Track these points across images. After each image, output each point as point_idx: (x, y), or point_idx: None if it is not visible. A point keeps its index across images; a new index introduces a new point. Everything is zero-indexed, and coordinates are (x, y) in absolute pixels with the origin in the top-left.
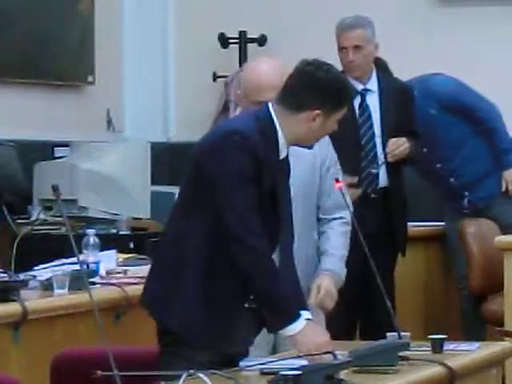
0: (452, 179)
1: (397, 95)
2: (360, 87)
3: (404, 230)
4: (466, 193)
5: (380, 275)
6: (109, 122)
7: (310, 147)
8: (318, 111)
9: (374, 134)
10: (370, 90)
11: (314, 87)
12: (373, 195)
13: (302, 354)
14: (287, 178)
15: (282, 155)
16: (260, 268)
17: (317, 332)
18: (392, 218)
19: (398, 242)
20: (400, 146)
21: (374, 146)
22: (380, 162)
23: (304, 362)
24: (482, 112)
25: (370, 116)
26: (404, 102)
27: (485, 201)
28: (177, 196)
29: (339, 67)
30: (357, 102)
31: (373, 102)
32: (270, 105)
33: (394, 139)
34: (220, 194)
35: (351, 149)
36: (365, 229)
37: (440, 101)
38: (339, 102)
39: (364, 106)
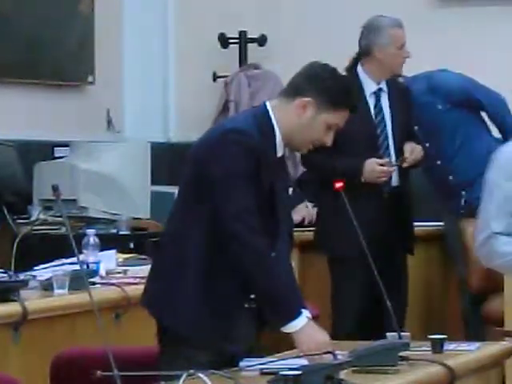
0: (451, 177)
1: (399, 94)
2: (375, 87)
3: (412, 229)
4: (464, 192)
5: (396, 274)
6: (109, 122)
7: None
8: (309, 99)
9: (387, 134)
10: (382, 90)
11: (313, 78)
12: (386, 195)
13: (301, 354)
14: (284, 176)
15: (279, 153)
16: (260, 266)
17: (317, 330)
18: (403, 217)
19: (408, 241)
20: (417, 153)
21: (388, 147)
22: (394, 163)
23: (304, 362)
24: (490, 107)
25: (383, 116)
26: (406, 102)
27: (479, 201)
28: (176, 196)
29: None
30: (372, 101)
31: (385, 102)
32: (267, 103)
33: (411, 145)
34: (219, 193)
35: (368, 150)
36: (379, 228)
37: (448, 96)
38: (334, 102)
39: (379, 106)
